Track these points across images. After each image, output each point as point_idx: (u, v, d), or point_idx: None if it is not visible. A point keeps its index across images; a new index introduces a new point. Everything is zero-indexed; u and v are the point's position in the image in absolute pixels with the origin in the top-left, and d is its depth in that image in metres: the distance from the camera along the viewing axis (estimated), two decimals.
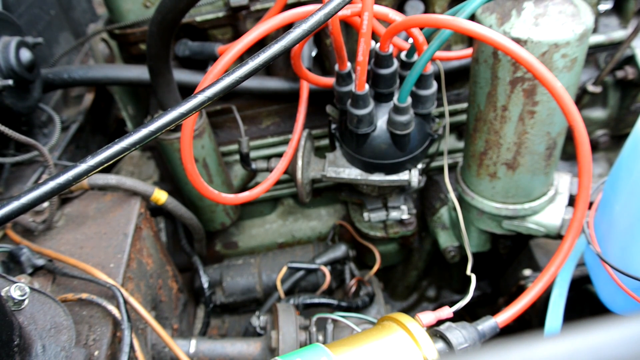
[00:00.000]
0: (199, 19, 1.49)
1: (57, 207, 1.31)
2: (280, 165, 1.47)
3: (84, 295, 1.07)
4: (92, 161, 0.66)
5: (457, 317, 0.99)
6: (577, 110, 0.97)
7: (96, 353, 1.00)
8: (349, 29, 1.53)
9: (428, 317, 0.96)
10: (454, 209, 1.53)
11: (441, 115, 1.66)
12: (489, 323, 0.99)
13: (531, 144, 1.24)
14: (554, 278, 1.15)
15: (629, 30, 1.65)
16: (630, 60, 1.67)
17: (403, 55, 1.31)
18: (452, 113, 1.72)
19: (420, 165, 1.41)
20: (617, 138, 1.86)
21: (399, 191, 1.56)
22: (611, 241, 1.16)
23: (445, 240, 1.68)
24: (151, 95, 1.67)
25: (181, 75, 1.50)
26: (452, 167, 1.77)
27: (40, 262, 1.12)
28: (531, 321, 1.50)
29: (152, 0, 1.49)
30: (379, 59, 1.23)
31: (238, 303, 1.80)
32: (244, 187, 1.77)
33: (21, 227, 1.27)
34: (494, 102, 1.21)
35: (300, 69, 1.38)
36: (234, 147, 1.73)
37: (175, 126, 0.71)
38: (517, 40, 1.07)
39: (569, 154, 1.84)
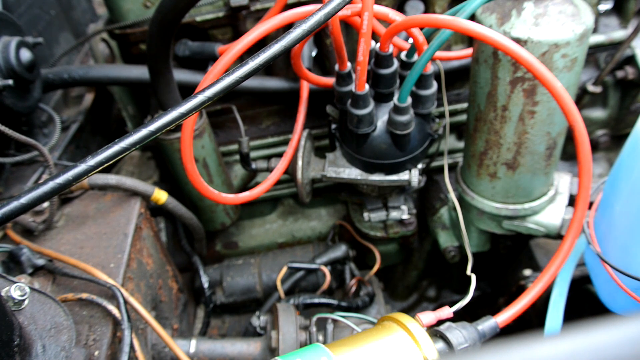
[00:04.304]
0: (199, 19, 1.49)
1: (57, 207, 1.31)
2: (280, 165, 1.47)
3: (84, 295, 1.07)
4: (92, 161, 0.66)
5: (457, 317, 0.99)
6: (577, 110, 0.97)
7: (96, 353, 1.00)
8: (349, 29, 1.53)
9: (428, 317, 0.96)
10: (454, 209, 1.53)
11: (441, 115, 1.66)
12: (489, 323, 0.99)
13: (531, 144, 1.24)
14: (554, 278, 1.15)
15: (629, 30, 1.65)
16: (630, 60, 1.67)
17: (403, 55, 1.31)
18: (452, 113, 1.72)
19: (420, 165, 1.41)
20: (617, 138, 1.86)
21: (399, 191, 1.56)
22: (611, 241, 1.16)
23: (445, 240, 1.68)
24: (151, 95, 1.67)
25: (181, 75, 1.50)
26: (452, 167, 1.77)
27: (40, 262, 1.12)
28: (531, 321, 1.50)
29: (152, 0, 1.49)
30: (379, 59, 1.23)
31: (238, 303, 1.80)
32: (244, 187, 1.77)
33: (21, 227, 1.27)
34: (494, 102, 1.21)
35: (300, 69, 1.38)
36: (234, 147, 1.73)
37: (175, 126, 0.71)
38: (517, 40, 1.07)
39: (569, 154, 1.84)
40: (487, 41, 0.97)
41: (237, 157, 1.68)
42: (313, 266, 1.68)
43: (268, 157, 1.55)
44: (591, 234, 1.19)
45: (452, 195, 1.49)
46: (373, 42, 1.18)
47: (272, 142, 1.73)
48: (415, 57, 1.29)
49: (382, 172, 1.38)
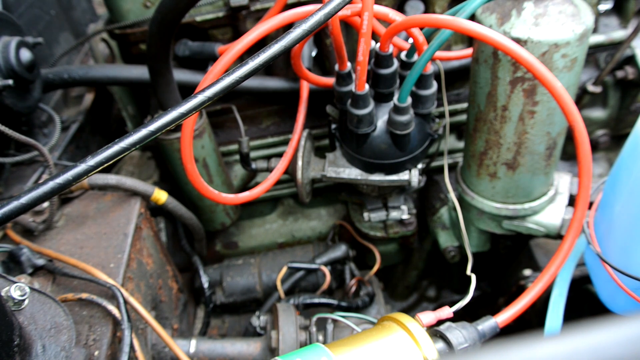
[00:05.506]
0: (199, 19, 1.49)
1: (57, 207, 1.31)
2: (280, 165, 1.47)
3: (84, 295, 1.07)
4: (92, 161, 0.66)
5: (457, 317, 0.99)
6: (577, 110, 0.97)
7: (96, 353, 1.00)
8: (349, 29, 1.53)
9: (428, 317, 0.96)
10: (454, 209, 1.53)
11: (441, 115, 1.66)
12: (489, 323, 0.99)
13: (531, 144, 1.24)
14: (554, 278, 1.15)
15: (629, 30, 1.65)
16: (630, 60, 1.67)
17: (403, 55, 1.31)
18: (452, 113, 1.72)
19: (420, 165, 1.41)
20: (617, 138, 1.86)
21: (399, 191, 1.56)
22: (611, 241, 1.16)
23: (445, 240, 1.68)
24: (151, 95, 1.67)
25: (181, 75, 1.50)
26: (452, 167, 1.77)
27: (40, 262, 1.12)
28: (531, 321, 1.50)
29: (152, 0, 1.49)
30: (379, 59, 1.23)
31: (238, 303, 1.80)
32: (244, 187, 1.77)
33: (21, 227, 1.27)
34: (494, 102, 1.21)
35: (300, 69, 1.38)
36: (234, 147, 1.73)
37: (175, 126, 0.71)
38: (517, 40, 1.07)
39: (569, 154, 1.84)
40: (487, 41, 0.97)
41: (237, 157, 1.68)
42: (313, 266, 1.68)
43: (268, 157, 1.55)
44: (591, 234, 1.19)
45: (452, 195, 1.49)
46: (373, 42, 1.18)
47: (272, 142, 1.73)
48: (415, 57, 1.29)
49: (382, 172, 1.38)
